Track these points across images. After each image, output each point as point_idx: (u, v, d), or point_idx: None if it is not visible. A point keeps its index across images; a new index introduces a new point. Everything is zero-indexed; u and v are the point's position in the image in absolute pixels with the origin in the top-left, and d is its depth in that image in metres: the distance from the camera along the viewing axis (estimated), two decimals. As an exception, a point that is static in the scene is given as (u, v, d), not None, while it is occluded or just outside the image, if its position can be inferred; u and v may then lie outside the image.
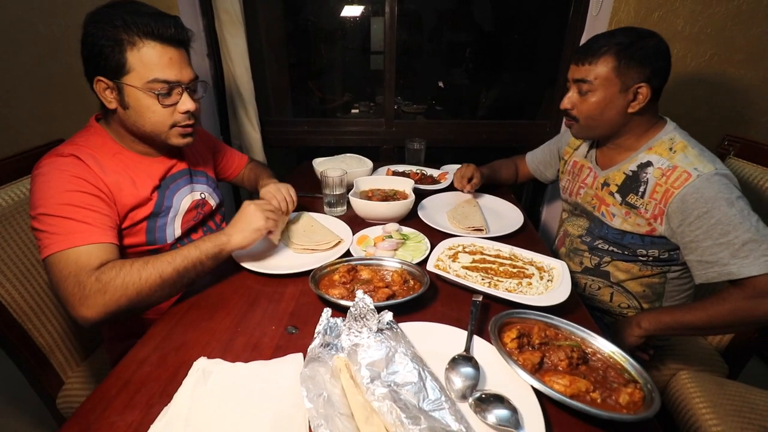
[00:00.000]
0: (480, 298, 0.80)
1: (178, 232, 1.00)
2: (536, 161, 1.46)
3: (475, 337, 0.71)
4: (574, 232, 1.21)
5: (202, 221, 1.09)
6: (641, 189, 0.99)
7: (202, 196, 1.09)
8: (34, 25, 1.52)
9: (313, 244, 1.03)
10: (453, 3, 2.39)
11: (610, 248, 1.09)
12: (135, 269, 0.78)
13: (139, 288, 0.77)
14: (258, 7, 2.00)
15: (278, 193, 1.10)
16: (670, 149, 0.97)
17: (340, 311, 0.78)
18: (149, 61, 0.82)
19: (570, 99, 1.03)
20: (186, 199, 1.04)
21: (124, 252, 0.93)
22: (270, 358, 0.70)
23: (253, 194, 1.27)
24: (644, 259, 1.05)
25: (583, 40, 1.66)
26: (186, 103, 0.89)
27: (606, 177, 1.09)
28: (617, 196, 1.05)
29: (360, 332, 0.66)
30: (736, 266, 0.85)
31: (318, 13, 2.37)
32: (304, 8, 2.36)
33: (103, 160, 0.89)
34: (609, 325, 1.11)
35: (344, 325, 0.68)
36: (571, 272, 1.17)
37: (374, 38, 2.22)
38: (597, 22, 1.56)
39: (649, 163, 0.99)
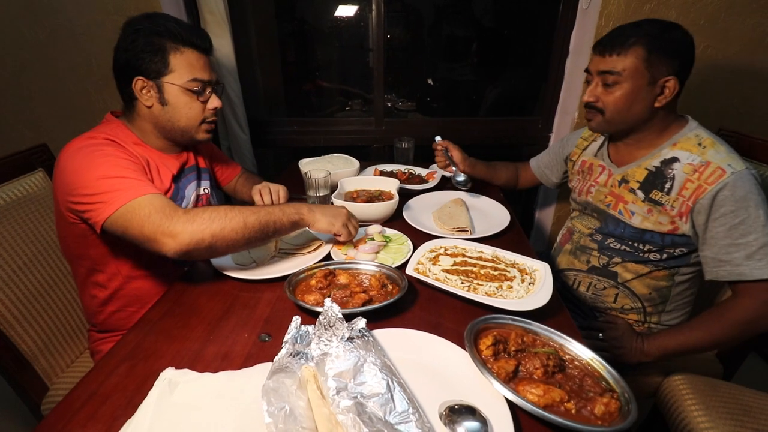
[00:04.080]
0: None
1: None
2: (542, 165, 1.42)
3: (451, 345, 0.69)
4: (583, 230, 1.17)
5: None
6: (667, 185, 0.96)
7: (206, 191, 1.17)
8: (18, 29, 1.51)
9: (293, 248, 1.01)
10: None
11: (623, 247, 1.06)
12: (222, 209, 0.83)
13: (222, 225, 0.81)
14: (248, 7, 1.98)
15: (265, 188, 1.17)
16: (699, 145, 0.95)
17: (316, 318, 0.76)
18: (190, 63, 0.95)
19: (593, 92, 0.99)
20: (194, 192, 1.13)
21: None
22: (240, 368, 0.68)
23: (245, 203, 1.28)
24: (657, 259, 1.02)
25: (574, 35, 1.63)
26: (214, 101, 1.02)
27: (624, 174, 1.06)
28: (639, 192, 1.01)
29: (329, 341, 0.64)
30: (749, 268, 0.86)
31: (310, 12, 2.34)
32: (297, 7, 2.33)
33: (131, 149, 0.95)
34: (606, 322, 1.08)
35: (314, 333, 0.66)
36: (576, 270, 1.17)
37: (371, 34, 2.19)
38: (587, 15, 1.53)
39: (675, 159, 0.96)
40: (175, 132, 1.01)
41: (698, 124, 1.00)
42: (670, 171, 0.96)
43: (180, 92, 0.95)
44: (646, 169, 1.01)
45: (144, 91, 0.94)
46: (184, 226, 0.79)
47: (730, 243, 0.87)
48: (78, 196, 0.83)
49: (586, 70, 1.02)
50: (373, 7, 1.65)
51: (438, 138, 1.42)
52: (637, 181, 1.02)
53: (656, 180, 0.99)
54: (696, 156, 0.93)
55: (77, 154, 0.86)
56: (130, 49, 0.91)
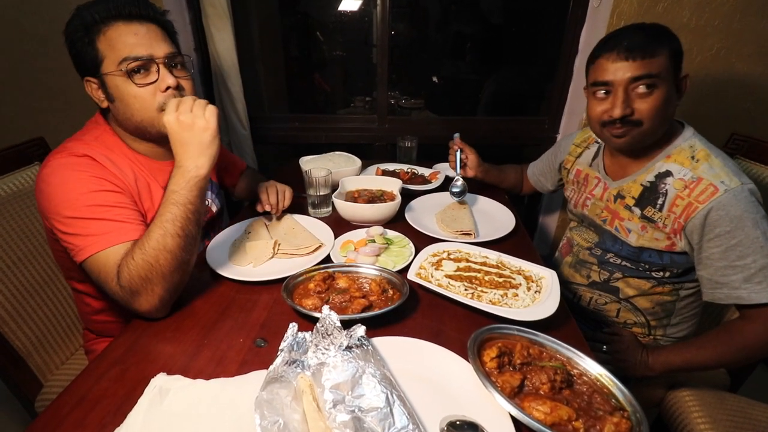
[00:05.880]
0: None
1: None
2: (537, 173, 1.38)
3: (454, 356, 0.67)
4: (582, 243, 1.12)
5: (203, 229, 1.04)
6: (659, 201, 0.91)
7: (206, 202, 1.04)
8: (18, 22, 1.48)
9: (292, 248, 0.99)
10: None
11: (623, 263, 1.02)
12: (149, 254, 0.73)
13: (157, 271, 0.73)
14: (250, 0, 1.95)
15: (272, 186, 1.13)
16: (692, 158, 0.89)
17: (314, 323, 0.74)
18: (116, 41, 0.79)
19: (628, 103, 0.85)
20: None
21: None
22: (234, 375, 0.66)
23: (246, 203, 1.27)
24: (659, 276, 0.98)
25: (584, 33, 1.59)
26: (166, 79, 0.81)
27: (619, 188, 1.00)
28: (635, 209, 0.96)
29: (327, 350, 0.61)
30: (747, 291, 0.81)
31: (314, 6, 2.30)
32: (300, 1, 2.29)
33: (119, 161, 0.85)
34: (611, 334, 1.04)
35: (311, 341, 0.63)
36: (576, 285, 1.13)
37: (375, 30, 2.16)
38: (598, 14, 1.49)
39: (668, 173, 0.91)
40: (140, 131, 0.86)
41: (694, 132, 0.94)
42: (663, 186, 0.91)
43: (119, 81, 0.80)
44: (642, 185, 0.95)
45: (94, 91, 0.83)
46: (133, 299, 0.74)
47: (727, 265, 0.82)
48: (55, 228, 0.78)
49: (599, 83, 0.88)
50: (378, 1, 1.62)
51: (456, 136, 1.34)
52: (633, 198, 0.97)
53: (651, 196, 0.94)
54: (687, 170, 0.88)
55: (54, 175, 0.78)
56: (69, 47, 0.81)
